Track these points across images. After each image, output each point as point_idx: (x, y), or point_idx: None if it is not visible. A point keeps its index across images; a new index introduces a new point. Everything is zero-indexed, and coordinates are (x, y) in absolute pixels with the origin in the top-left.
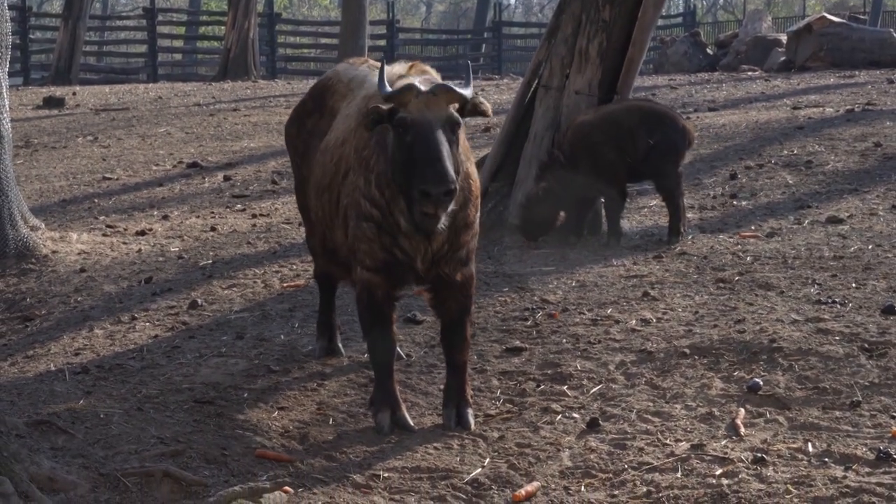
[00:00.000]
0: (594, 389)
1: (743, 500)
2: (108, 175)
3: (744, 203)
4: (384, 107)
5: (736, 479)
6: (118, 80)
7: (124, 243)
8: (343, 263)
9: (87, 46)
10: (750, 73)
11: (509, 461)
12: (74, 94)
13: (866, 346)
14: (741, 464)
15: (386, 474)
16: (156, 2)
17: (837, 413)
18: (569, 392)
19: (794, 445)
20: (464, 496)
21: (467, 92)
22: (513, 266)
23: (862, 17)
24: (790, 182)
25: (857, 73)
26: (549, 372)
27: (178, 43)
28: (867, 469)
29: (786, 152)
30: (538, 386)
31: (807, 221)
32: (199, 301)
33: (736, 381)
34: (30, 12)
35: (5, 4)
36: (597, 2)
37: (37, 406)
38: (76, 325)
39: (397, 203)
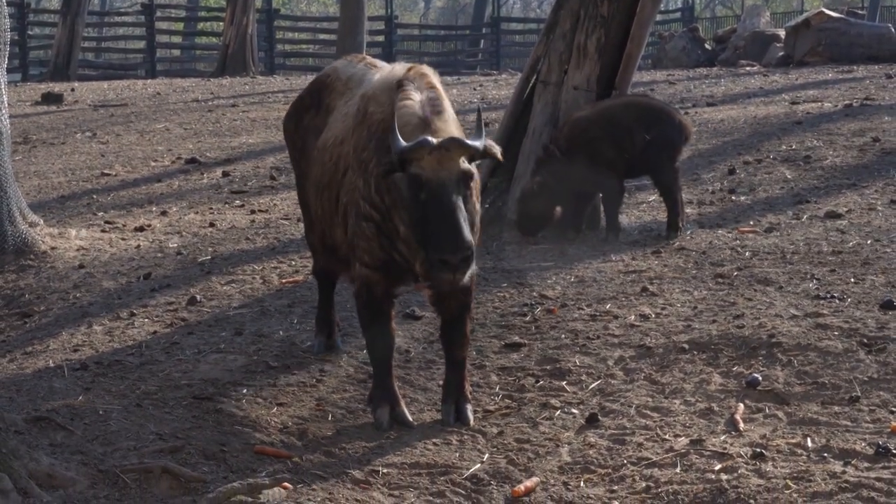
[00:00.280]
0: (593, 385)
1: (742, 496)
2: (106, 171)
3: (742, 198)
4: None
5: (735, 475)
6: (117, 77)
7: (123, 239)
8: (343, 260)
9: (85, 42)
10: (748, 69)
11: (508, 457)
12: (73, 90)
13: (865, 341)
14: (740, 459)
15: (385, 470)
16: None
17: (836, 408)
18: (568, 387)
19: (794, 441)
20: (463, 492)
21: (479, 144)
22: (511, 261)
23: (860, 12)
24: (789, 177)
25: (855, 68)
26: (547, 367)
27: (177, 39)
28: (866, 464)
29: (784, 147)
30: (537, 381)
31: (805, 216)
32: (198, 297)
33: (735, 377)
34: (28, 8)
35: (3, 0)
36: None
37: (35, 402)
38: (75, 321)
39: (397, 209)
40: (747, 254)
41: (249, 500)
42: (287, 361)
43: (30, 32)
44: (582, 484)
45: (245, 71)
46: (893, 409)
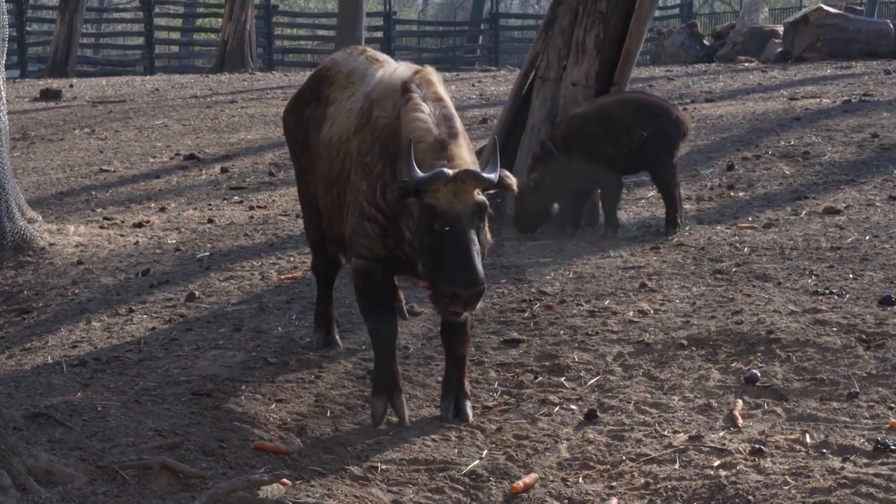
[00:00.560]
0: (592, 381)
1: (741, 492)
2: (105, 167)
3: (741, 194)
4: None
5: (734, 471)
6: (115, 73)
7: (121, 235)
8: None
9: (83, 39)
10: (747, 64)
11: (507, 453)
12: (71, 86)
13: (864, 337)
14: (739, 455)
15: (384, 466)
16: None
17: (835, 404)
18: (567, 384)
19: (792, 437)
20: (462, 488)
21: (493, 176)
22: (510, 258)
23: (859, 7)
24: (787, 173)
25: (853, 63)
26: (546, 364)
27: (175, 35)
28: (865, 460)
29: (783, 143)
30: (536, 378)
31: (804, 212)
32: (197, 293)
33: (733, 373)
34: (26, 4)
35: None
36: None
37: (34, 399)
38: (73, 317)
39: (403, 215)
40: (746, 250)
41: (248, 496)
42: (286, 358)
43: (28, 28)
44: (581, 480)
45: (243, 67)
46: (892, 405)
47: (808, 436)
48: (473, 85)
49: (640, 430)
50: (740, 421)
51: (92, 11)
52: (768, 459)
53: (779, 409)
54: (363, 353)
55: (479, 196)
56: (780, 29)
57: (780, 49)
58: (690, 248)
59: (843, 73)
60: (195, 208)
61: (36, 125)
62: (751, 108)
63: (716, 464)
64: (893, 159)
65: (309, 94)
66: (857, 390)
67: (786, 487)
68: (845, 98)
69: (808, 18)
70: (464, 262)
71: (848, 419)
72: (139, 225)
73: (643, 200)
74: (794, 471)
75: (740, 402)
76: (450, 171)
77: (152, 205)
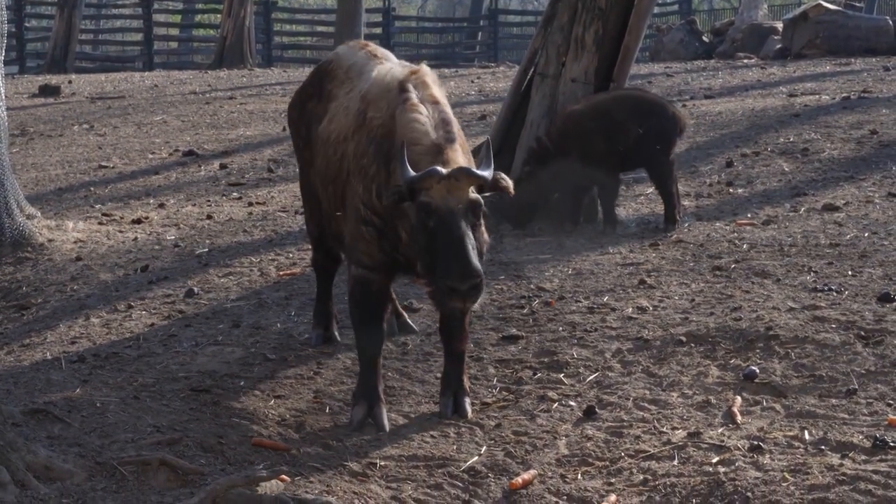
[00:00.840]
0: (591, 377)
1: (739, 488)
2: (104, 163)
3: (740, 191)
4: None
5: (732, 467)
6: (114, 69)
7: (120, 232)
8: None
9: (82, 34)
10: (746, 61)
11: (506, 449)
12: (70, 82)
13: (862, 333)
14: (738, 452)
15: (382, 462)
16: None
17: (834, 401)
18: (565, 380)
19: (791, 433)
20: (460, 484)
21: (488, 174)
22: (509, 254)
23: (858, 4)
24: (786, 170)
25: (852, 60)
26: (545, 360)
27: (174, 31)
28: (864, 457)
29: (782, 140)
30: (535, 374)
31: (803, 209)
32: (196, 289)
33: (732, 369)
34: (25, 0)
35: None
36: None
37: (33, 395)
38: (72, 313)
39: (399, 218)
40: (745, 246)
41: (247, 492)
42: (284, 354)
43: (27, 24)
44: (579, 476)
45: (242, 63)
46: (891, 401)
47: (806, 432)
48: (472, 81)
49: (638, 427)
50: (739, 417)
51: (91, 7)
52: (767, 456)
53: (777, 406)
54: None
55: (474, 194)
56: (780, 25)
57: (779, 46)
58: (689, 244)
59: (842, 70)
60: (194, 204)
61: (35, 121)
62: (750, 105)
63: (714, 460)
64: (892, 156)
65: (311, 89)
66: (856, 387)
67: (784, 484)
68: (844, 95)
69: (807, 15)
70: (459, 256)
71: (847, 416)
72: (138, 221)
73: (642, 197)
74: (792, 467)
75: (739, 398)
76: (443, 170)
77: (151, 201)
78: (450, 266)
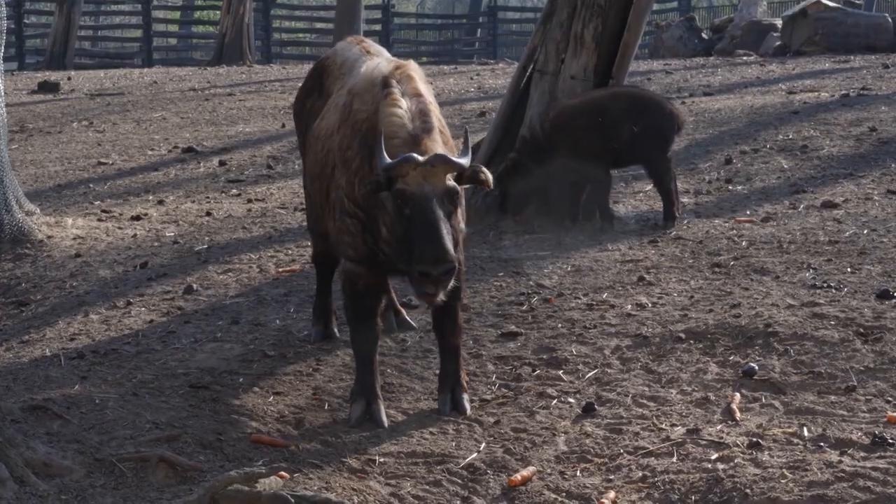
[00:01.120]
0: (590, 374)
1: (738, 485)
2: (103, 160)
3: (739, 188)
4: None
5: (731, 464)
6: (113, 65)
7: (119, 228)
8: (334, 247)
9: (82, 31)
10: (745, 58)
11: (505, 446)
12: (69, 78)
13: (861, 330)
14: (737, 448)
15: (381, 459)
16: None
17: (833, 398)
18: (564, 377)
19: (790, 430)
20: (459, 481)
21: (464, 161)
22: (508, 251)
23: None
24: (785, 167)
25: (852, 57)
26: (544, 357)
27: (174, 27)
28: (862, 454)
29: (781, 137)
30: (534, 371)
31: (802, 206)
32: (195, 286)
33: (731, 366)
34: None
35: None
36: None
37: (32, 391)
38: (71, 310)
39: (379, 210)
40: (744, 243)
41: (246, 488)
42: (284, 350)
43: (26, 21)
44: (578, 473)
45: (242, 60)
46: (889, 398)
47: (805, 429)
48: (472, 78)
49: (637, 424)
50: (738, 414)
51: (90, 4)
52: (766, 453)
53: (776, 403)
54: None
55: (450, 182)
56: (779, 23)
57: (778, 43)
58: (688, 241)
59: (841, 67)
60: (193, 201)
61: (34, 118)
62: (749, 102)
63: (713, 457)
64: (891, 153)
65: (311, 85)
66: (855, 384)
67: (783, 481)
68: (843, 92)
69: (806, 12)
70: (432, 241)
71: (845, 413)
72: (137, 218)
73: (641, 194)
74: (791, 464)
75: (738, 395)
76: (419, 157)
77: (150, 197)
78: (423, 251)
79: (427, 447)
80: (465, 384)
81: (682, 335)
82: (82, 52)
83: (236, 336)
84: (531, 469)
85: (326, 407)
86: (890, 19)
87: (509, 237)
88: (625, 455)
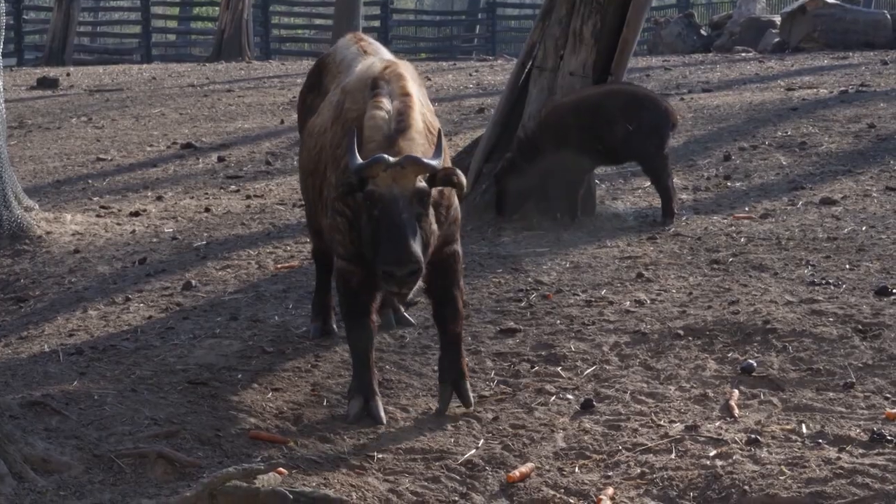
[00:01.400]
0: (588, 371)
1: (737, 481)
2: (101, 156)
3: (738, 184)
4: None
5: (730, 461)
6: (112, 61)
7: (118, 224)
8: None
9: (80, 27)
10: (744, 55)
11: (503, 442)
12: (68, 74)
13: (860, 327)
14: (735, 445)
15: (380, 455)
16: None
17: (831, 394)
18: (563, 373)
19: (788, 427)
20: (458, 477)
21: (436, 163)
22: (507, 247)
23: None
24: (784, 163)
25: (850, 54)
26: (543, 353)
27: (172, 24)
28: (861, 450)
29: (780, 133)
30: (532, 367)
31: (801, 203)
32: (193, 282)
33: (730, 363)
34: None
35: None
36: None
37: (30, 387)
38: (70, 306)
39: (360, 212)
40: (742, 240)
41: (244, 485)
42: (282, 347)
43: (25, 17)
44: (577, 470)
45: (241, 56)
46: (888, 395)
47: (804, 426)
48: (471, 74)
49: (636, 420)
50: (736, 411)
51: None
52: (764, 449)
53: (775, 399)
54: None
55: (421, 183)
56: (778, 19)
57: (777, 39)
58: (687, 238)
59: (840, 64)
60: (192, 197)
61: (33, 113)
62: (748, 99)
63: (712, 453)
64: (890, 150)
65: (312, 82)
66: (854, 380)
67: (782, 477)
68: (842, 88)
69: (805, 9)
70: (397, 242)
71: (844, 409)
72: (136, 214)
73: (640, 190)
74: (790, 461)
75: (736, 391)
76: (390, 158)
77: (149, 194)
78: (387, 251)
79: (425, 443)
80: (466, 372)
81: (681, 332)
82: (81, 48)
83: (235, 332)
84: (530, 465)
85: (325, 403)
86: (889, 16)
87: (508, 234)
88: (623, 451)
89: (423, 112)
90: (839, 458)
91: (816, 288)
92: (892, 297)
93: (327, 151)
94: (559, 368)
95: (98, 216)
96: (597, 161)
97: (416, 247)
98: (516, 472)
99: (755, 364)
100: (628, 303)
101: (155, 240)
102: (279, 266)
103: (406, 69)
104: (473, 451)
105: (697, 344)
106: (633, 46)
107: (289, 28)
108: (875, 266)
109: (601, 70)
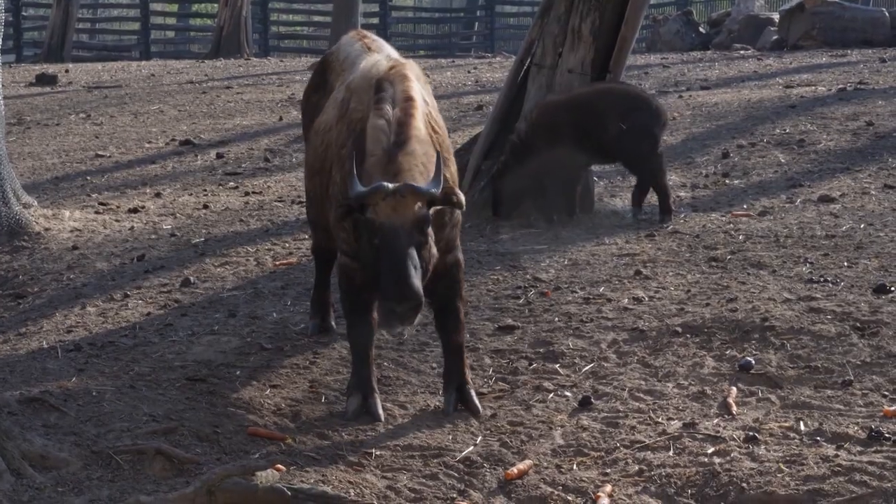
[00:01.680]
0: (586, 368)
1: (735, 479)
2: (100, 152)
3: (736, 182)
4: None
5: (728, 458)
6: (111, 58)
7: (117, 221)
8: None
9: (79, 24)
10: (742, 52)
11: (501, 439)
12: (67, 71)
13: (858, 325)
14: (733, 442)
15: (378, 452)
16: None
17: (829, 392)
18: (561, 370)
19: (786, 424)
20: (456, 474)
21: (435, 190)
22: (505, 244)
23: None
24: (782, 161)
25: (849, 52)
26: (541, 350)
27: (171, 20)
28: (859, 448)
29: (778, 131)
30: (530, 364)
31: (799, 200)
32: (192, 279)
33: (728, 360)
34: None
35: None
36: None
37: (29, 383)
38: (68, 302)
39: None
40: (741, 237)
41: (243, 481)
42: (281, 343)
43: (24, 13)
44: (575, 467)
45: (239, 53)
46: (886, 393)
47: (802, 423)
48: (469, 72)
49: (634, 417)
50: (734, 408)
51: None
52: (762, 447)
53: (773, 397)
54: None
55: (421, 210)
56: (776, 17)
57: (775, 37)
58: (685, 235)
59: (838, 62)
60: (190, 194)
61: (31, 110)
62: (746, 96)
63: (710, 451)
64: (888, 147)
65: (316, 80)
66: (852, 378)
67: (780, 475)
68: (840, 86)
69: (803, 6)
70: (399, 278)
71: (842, 407)
72: (134, 210)
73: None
74: (787, 458)
75: (734, 389)
76: (389, 186)
77: (148, 190)
78: (389, 287)
79: (423, 440)
80: (469, 380)
81: (679, 329)
82: (80, 44)
83: (233, 329)
84: (528, 462)
85: (323, 400)
86: (887, 14)
87: (506, 231)
88: (621, 449)
89: (426, 114)
90: (837, 456)
91: (815, 285)
92: (891, 295)
93: (333, 150)
94: (557, 366)
95: (96, 213)
96: (589, 159)
97: (417, 280)
98: (514, 470)
99: (753, 361)
100: (626, 300)
101: (153, 236)
102: (278, 263)
103: (411, 69)
104: (471, 448)
105: (695, 341)
106: (631, 44)
107: (287, 25)
108: (873, 264)
109: (600, 68)
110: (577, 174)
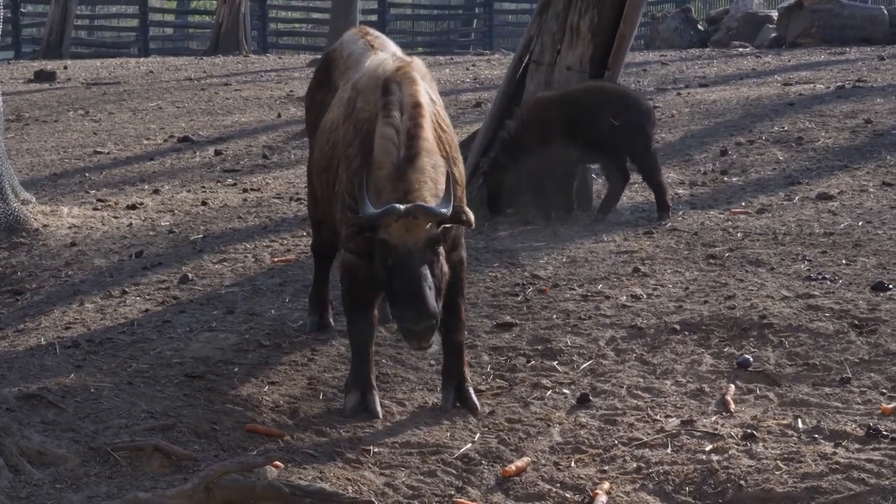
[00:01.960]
0: (584, 365)
1: (732, 476)
2: (99, 149)
3: (734, 179)
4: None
5: (726, 455)
6: (109, 55)
7: (115, 217)
8: None
9: (78, 20)
10: (741, 50)
11: (499, 436)
12: (66, 67)
13: (856, 322)
14: (731, 440)
15: (376, 449)
16: None
17: (827, 389)
18: (559, 368)
19: (784, 422)
20: (454, 471)
21: (446, 211)
22: (503, 242)
23: None
24: (781, 158)
25: (847, 49)
26: (539, 347)
27: (170, 17)
28: (857, 445)
29: (776, 129)
30: (528, 361)
31: (797, 198)
32: (190, 276)
33: (726, 358)
34: None
35: None
36: None
37: (27, 380)
38: (67, 299)
39: None
40: (739, 235)
41: (240, 478)
42: (279, 340)
43: (22, 10)
44: (573, 464)
45: (238, 50)
46: (884, 390)
47: (800, 421)
48: (468, 69)
49: (632, 415)
50: (732, 406)
51: None
52: (760, 444)
53: (771, 395)
54: None
55: (433, 229)
56: (775, 14)
57: (774, 34)
58: (683, 232)
59: (836, 59)
60: (189, 190)
61: (30, 107)
62: (745, 94)
63: (708, 448)
64: (887, 145)
65: (320, 78)
66: (850, 376)
67: (777, 472)
68: (839, 84)
69: (802, 4)
70: (415, 299)
71: (840, 404)
72: (133, 207)
73: (636, 185)
74: (786, 456)
75: (733, 386)
76: (401, 207)
77: (146, 187)
78: (405, 307)
79: (421, 437)
80: (468, 378)
81: (677, 326)
82: (79, 41)
83: (231, 326)
84: (526, 460)
85: (321, 397)
86: (885, 11)
87: (504, 228)
88: (619, 446)
89: (433, 116)
90: (835, 453)
91: (813, 283)
92: (888, 293)
93: (340, 148)
94: (555, 363)
95: (95, 209)
96: (579, 156)
97: (432, 299)
98: (512, 467)
99: (751, 359)
100: (624, 297)
101: (151, 233)
102: (276, 260)
103: (417, 70)
104: (469, 445)
105: (694, 339)
106: (630, 41)
107: (286, 22)
108: (871, 261)
109: (598, 65)
110: (571, 171)
